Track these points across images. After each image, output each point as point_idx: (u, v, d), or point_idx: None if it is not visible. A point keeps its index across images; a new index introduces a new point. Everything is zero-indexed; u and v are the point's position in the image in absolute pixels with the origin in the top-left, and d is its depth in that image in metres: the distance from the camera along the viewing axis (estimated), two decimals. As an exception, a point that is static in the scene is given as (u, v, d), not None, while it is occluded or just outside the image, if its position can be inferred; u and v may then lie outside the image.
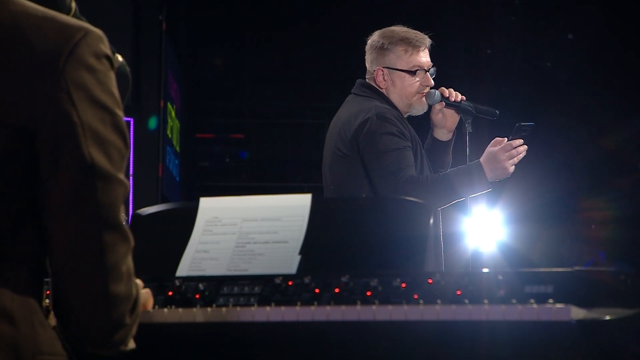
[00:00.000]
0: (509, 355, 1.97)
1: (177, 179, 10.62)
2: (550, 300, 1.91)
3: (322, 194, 3.82)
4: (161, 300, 2.11)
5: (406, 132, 3.69)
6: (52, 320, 1.65)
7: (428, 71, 3.82)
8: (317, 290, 2.05)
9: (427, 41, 3.84)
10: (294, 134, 12.46)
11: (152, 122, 8.91)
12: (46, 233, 1.60)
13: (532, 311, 1.90)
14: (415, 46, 3.80)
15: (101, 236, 1.58)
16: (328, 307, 2.01)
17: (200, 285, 2.11)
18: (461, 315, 1.94)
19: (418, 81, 3.81)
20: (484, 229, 8.54)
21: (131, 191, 8.15)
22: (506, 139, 3.69)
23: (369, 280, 2.04)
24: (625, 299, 1.95)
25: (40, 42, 1.59)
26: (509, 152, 3.66)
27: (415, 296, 1.99)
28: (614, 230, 9.83)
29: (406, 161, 3.61)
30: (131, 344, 1.67)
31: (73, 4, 2.20)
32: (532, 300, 1.92)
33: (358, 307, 1.99)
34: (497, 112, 3.88)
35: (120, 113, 1.65)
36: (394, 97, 3.82)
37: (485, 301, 1.94)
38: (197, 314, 2.06)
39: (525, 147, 3.69)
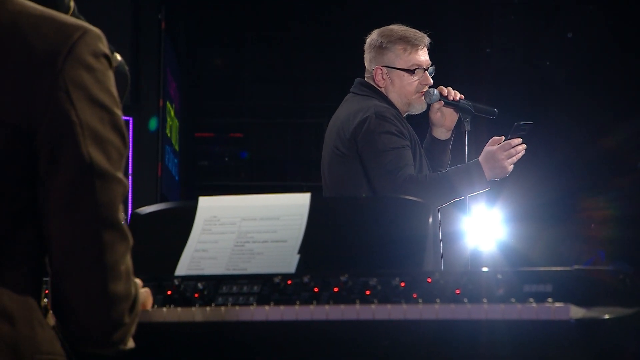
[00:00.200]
0: (508, 354, 1.97)
1: (177, 178, 10.62)
2: (550, 300, 1.91)
3: (321, 194, 3.82)
4: (160, 300, 2.11)
5: (405, 131, 3.69)
6: (51, 320, 1.65)
7: (427, 70, 3.82)
8: (316, 290, 2.05)
9: (426, 40, 3.84)
10: (294, 133, 12.46)
11: (152, 122, 8.91)
12: (45, 232, 1.60)
13: (531, 310, 1.90)
14: (414, 45, 3.80)
15: (100, 235, 1.58)
16: (327, 307, 2.01)
17: (199, 285, 2.11)
18: (460, 315, 1.94)
19: (417, 80, 3.81)
20: (483, 228, 8.54)
21: (130, 190, 8.15)
22: (504, 138, 3.69)
23: (368, 280, 2.04)
24: (624, 298, 1.95)
25: (39, 42, 1.59)
26: (507, 151, 3.65)
27: (415, 295, 1.99)
28: (613, 230, 9.82)
29: (405, 160, 3.61)
30: (130, 344, 1.67)
31: (72, 3, 2.20)
32: (531, 299, 1.92)
33: (357, 306, 1.99)
34: (496, 111, 3.87)
35: (119, 112, 1.65)
36: (393, 96, 3.82)
37: (485, 300, 1.94)
38: (196, 313, 2.06)
39: (524, 146, 3.69)
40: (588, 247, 9.74)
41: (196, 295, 2.10)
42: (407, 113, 3.85)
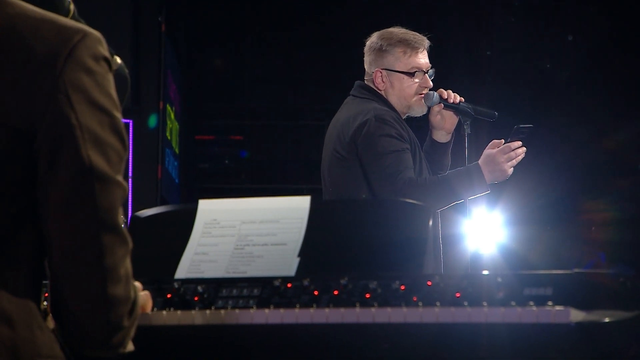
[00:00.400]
0: (508, 357, 1.96)
1: (177, 181, 10.62)
2: (550, 303, 1.91)
3: (321, 196, 3.81)
4: (160, 303, 2.11)
5: (405, 134, 3.69)
6: (51, 323, 1.65)
7: (427, 73, 3.82)
8: (316, 293, 2.05)
9: (426, 42, 3.84)
10: (294, 135, 12.47)
11: (152, 124, 8.91)
12: (45, 235, 1.60)
13: (532, 313, 1.90)
14: (413, 48, 3.80)
15: (100, 238, 1.58)
16: (327, 310, 2.01)
17: (199, 288, 2.11)
18: (460, 318, 1.93)
19: (417, 83, 3.81)
20: (483, 230, 8.55)
21: (130, 193, 8.15)
22: (504, 140, 3.69)
23: (368, 283, 2.04)
24: (624, 301, 1.95)
25: (39, 45, 1.59)
26: (507, 154, 3.65)
27: (415, 298, 1.99)
28: (614, 232, 9.83)
29: (405, 163, 3.61)
30: (130, 347, 1.67)
31: (71, 6, 2.20)
32: (531, 303, 1.92)
33: (357, 309, 1.99)
34: (496, 113, 3.87)
35: (119, 115, 1.65)
36: (393, 99, 3.81)
37: (485, 303, 1.94)
38: (196, 317, 2.05)
39: (524, 149, 3.69)
40: (588, 249, 9.75)
41: (196, 299, 2.10)
42: (406, 116, 3.85)
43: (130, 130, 8.47)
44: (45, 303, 1.72)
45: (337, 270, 2.12)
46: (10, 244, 1.59)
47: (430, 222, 2.23)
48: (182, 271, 2.25)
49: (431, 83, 3.83)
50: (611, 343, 1.92)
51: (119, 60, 2.25)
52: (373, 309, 1.98)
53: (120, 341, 1.64)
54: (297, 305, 2.03)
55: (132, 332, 1.66)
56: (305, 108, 12.34)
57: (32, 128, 1.57)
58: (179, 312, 2.07)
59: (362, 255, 2.22)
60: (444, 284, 2.00)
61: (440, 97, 3.83)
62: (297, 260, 2.19)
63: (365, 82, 3.88)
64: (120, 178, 1.62)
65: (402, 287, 2.01)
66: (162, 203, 8.84)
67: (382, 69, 3.81)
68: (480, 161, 3.68)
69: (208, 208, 2.33)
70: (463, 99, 3.85)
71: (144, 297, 2.03)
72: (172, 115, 9.95)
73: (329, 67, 11.72)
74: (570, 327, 1.87)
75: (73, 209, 1.57)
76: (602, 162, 10.35)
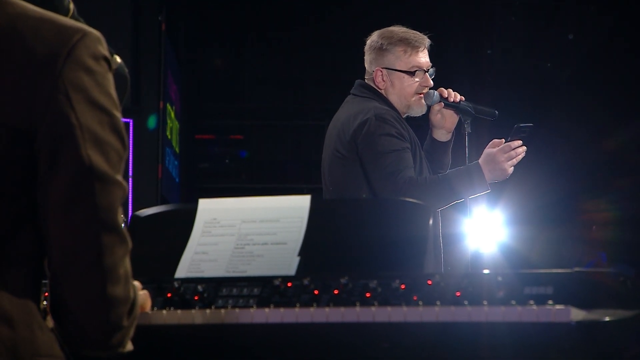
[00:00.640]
0: (509, 356, 1.96)
1: (177, 180, 10.62)
2: (550, 302, 1.91)
3: (321, 195, 3.81)
4: (160, 302, 2.11)
5: (405, 133, 3.68)
6: (50, 323, 1.65)
7: (427, 72, 3.82)
8: (316, 292, 2.05)
9: (426, 41, 3.84)
10: (294, 135, 12.46)
11: (152, 123, 8.90)
12: (44, 234, 1.60)
13: (532, 312, 1.90)
14: (414, 47, 3.80)
15: (99, 238, 1.58)
16: (327, 309, 2.01)
17: (199, 287, 2.11)
18: (460, 317, 1.93)
19: (417, 82, 3.81)
20: (484, 230, 8.54)
21: (130, 192, 8.15)
22: (505, 140, 3.69)
23: (368, 282, 2.04)
24: (625, 300, 1.95)
25: (39, 44, 1.59)
26: (507, 153, 3.65)
27: (415, 297, 1.99)
28: (614, 232, 9.82)
29: (405, 162, 3.61)
30: (129, 346, 1.67)
31: (71, 6, 2.20)
32: (531, 302, 1.92)
33: (357, 308, 1.99)
34: (497, 112, 3.87)
35: (118, 114, 1.65)
36: (393, 98, 3.81)
37: (485, 302, 1.94)
38: (196, 316, 2.05)
39: (524, 148, 3.69)
40: (589, 249, 9.74)
41: (196, 298, 2.10)
42: (407, 115, 3.85)
43: (130, 130, 8.46)
44: (45, 303, 1.72)
45: (337, 270, 2.12)
46: (10, 244, 1.59)
47: (431, 221, 2.23)
48: (182, 270, 2.25)
49: (432, 82, 3.83)
50: (611, 342, 1.92)
51: (118, 59, 2.25)
52: (373, 308, 1.98)
53: (120, 341, 1.64)
54: (297, 305, 2.03)
55: (132, 332, 1.66)
56: (305, 108, 12.33)
57: (32, 128, 1.57)
58: (179, 311, 2.07)
59: (362, 254, 2.22)
60: (444, 283, 2.00)
61: (441, 96, 3.83)
62: (297, 259, 2.19)
63: (366, 81, 3.88)
64: (120, 177, 1.62)
65: (403, 287, 2.01)
66: (162, 202, 8.83)
67: (382, 68, 3.81)
68: (480, 160, 3.67)
69: (208, 207, 2.33)
70: (463, 98, 3.85)
71: (143, 296, 2.03)
72: (172, 115, 9.95)
73: (329, 67, 11.72)
74: (570, 326, 1.87)
75: (73, 208, 1.57)
76: (603, 162, 10.35)
